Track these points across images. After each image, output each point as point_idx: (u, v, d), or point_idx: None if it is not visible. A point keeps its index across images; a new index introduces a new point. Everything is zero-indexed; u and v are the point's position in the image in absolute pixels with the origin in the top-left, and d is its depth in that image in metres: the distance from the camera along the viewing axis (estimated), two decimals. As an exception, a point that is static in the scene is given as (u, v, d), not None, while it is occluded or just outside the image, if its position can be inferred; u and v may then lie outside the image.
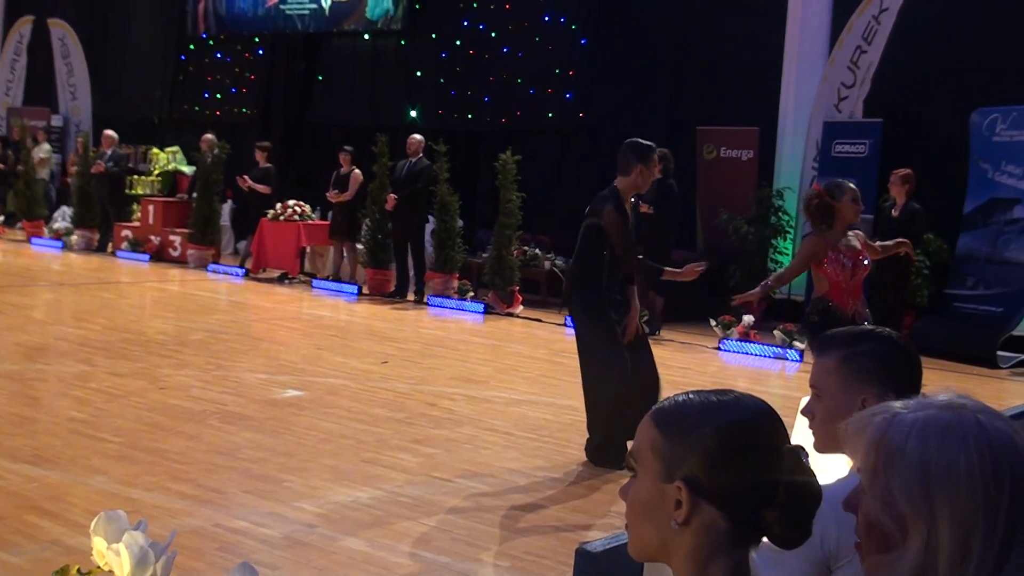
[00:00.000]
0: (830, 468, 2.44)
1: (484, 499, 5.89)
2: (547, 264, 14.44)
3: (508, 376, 9.46)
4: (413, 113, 17.33)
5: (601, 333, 6.73)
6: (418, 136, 14.24)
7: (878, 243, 7.23)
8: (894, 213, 10.72)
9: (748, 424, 1.56)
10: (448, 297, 13.64)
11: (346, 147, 15.14)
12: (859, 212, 6.73)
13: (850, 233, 6.67)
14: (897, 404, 1.46)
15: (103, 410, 7.39)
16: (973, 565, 1.33)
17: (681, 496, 1.54)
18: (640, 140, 6.84)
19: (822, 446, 2.38)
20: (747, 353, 11.31)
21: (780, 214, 13.23)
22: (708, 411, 1.57)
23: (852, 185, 6.73)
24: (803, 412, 2.46)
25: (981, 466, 1.34)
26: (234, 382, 8.51)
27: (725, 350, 11.44)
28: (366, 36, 18.19)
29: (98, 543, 1.70)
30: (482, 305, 13.27)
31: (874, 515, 1.40)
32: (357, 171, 14.73)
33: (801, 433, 2.46)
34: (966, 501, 1.34)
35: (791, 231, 13.32)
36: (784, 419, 1.63)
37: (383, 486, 6.00)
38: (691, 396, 1.61)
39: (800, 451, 1.57)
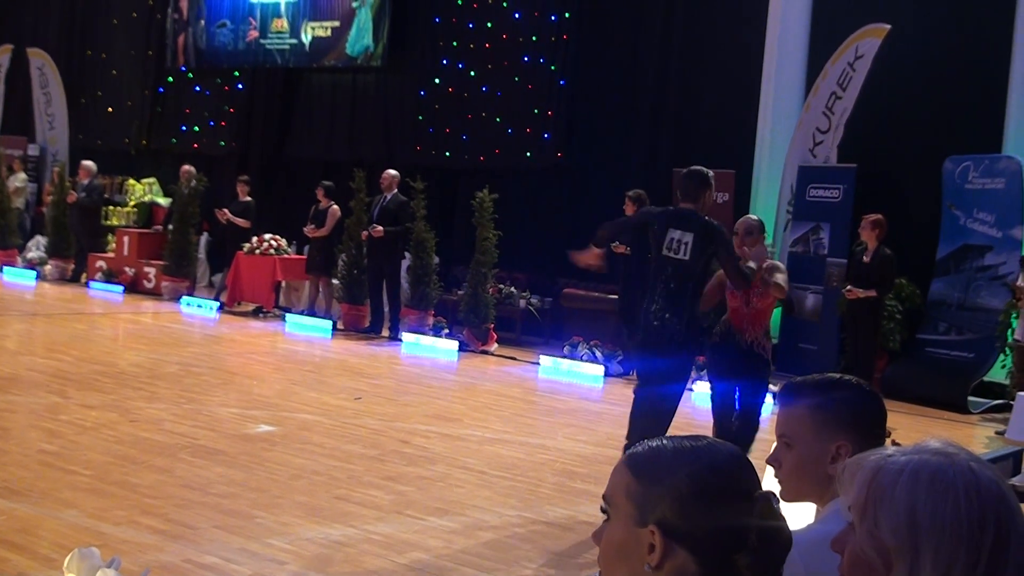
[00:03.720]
0: (798, 516, 2.46)
1: (456, 538, 5.89)
2: (522, 302, 14.47)
3: (482, 414, 9.46)
4: None
5: None
6: (392, 171, 14.27)
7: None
8: (865, 259, 10.79)
9: (721, 469, 1.59)
10: (423, 334, 13.63)
11: (324, 182, 15.16)
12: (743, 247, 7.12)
13: (766, 263, 7.05)
14: (890, 449, 1.50)
15: (74, 442, 7.36)
16: None
17: (654, 540, 1.56)
18: (700, 168, 6.95)
19: (790, 495, 2.40)
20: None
21: (755, 257, 13.30)
22: (681, 456, 1.60)
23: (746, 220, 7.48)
24: (768, 461, 2.47)
25: (968, 509, 1.39)
26: (207, 416, 8.48)
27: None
28: (346, 72, 18.26)
29: (71, 581, 1.71)
30: (457, 342, 13.27)
31: (860, 548, 1.44)
32: (335, 206, 14.74)
33: (769, 482, 2.48)
34: (950, 540, 1.38)
35: (765, 274, 13.39)
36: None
37: (355, 523, 5.99)
38: (664, 442, 1.64)
39: (772, 497, 1.60)
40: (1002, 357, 11.39)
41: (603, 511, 1.66)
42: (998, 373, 11.57)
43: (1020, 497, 4.26)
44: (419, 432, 8.49)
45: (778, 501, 1.60)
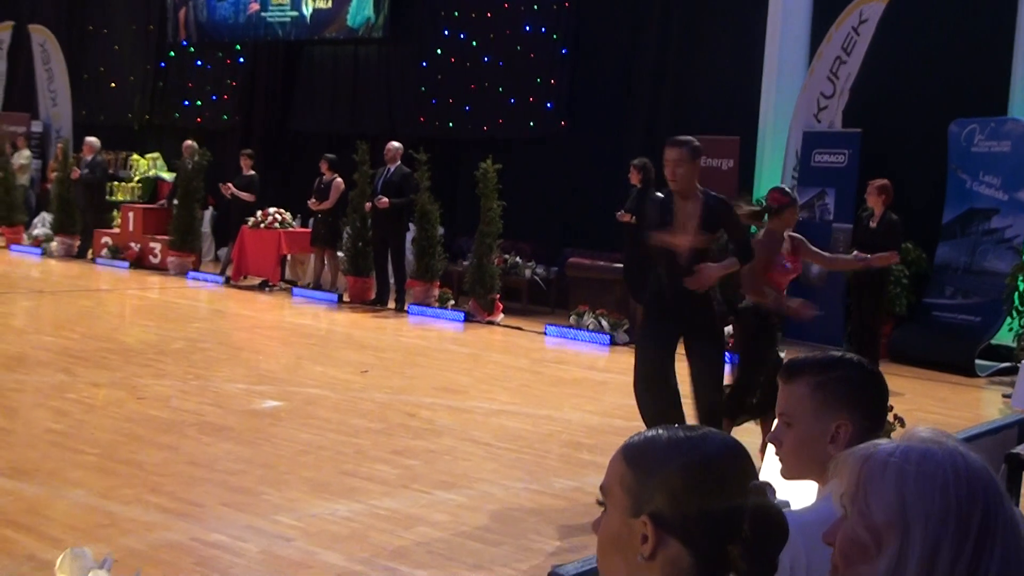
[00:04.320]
0: (799, 495, 2.46)
1: (462, 512, 5.90)
2: (528, 272, 14.46)
3: (488, 386, 9.47)
4: None
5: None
6: (395, 143, 14.21)
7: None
8: (872, 224, 10.73)
9: (713, 460, 1.58)
10: (429, 306, 13.63)
11: (327, 155, 15.12)
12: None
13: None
14: (881, 440, 1.52)
15: (81, 421, 7.37)
16: None
17: (647, 531, 1.56)
18: (685, 138, 6.50)
19: (791, 473, 2.39)
20: (733, 363, 11.29)
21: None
22: (675, 447, 1.59)
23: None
24: (770, 439, 2.47)
25: (956, 487, 1.41)
26: (213, 392, 8.50)
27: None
28: (347, 44, 18.20)
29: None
30: (462, 314, 13.27)
31: (852, 530, 1.46)
32: (338, 179, 14.72)
33: (770, 460, 2.48)
34: (938, 518, 1.40)
35: (771, 240, 13.36)
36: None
37: (361, 499, 6.00)
38: (660, 432, 1.63)
39: (767, 487, 1.59)
40: (1009, 320, 11.37)
41: (599, 503, 1.65)
42: (1005, 336, 11.56)
43: (1025, 466, 4.21)
44: (425, 405, 8.50)
45: (774, 491, 1.59)
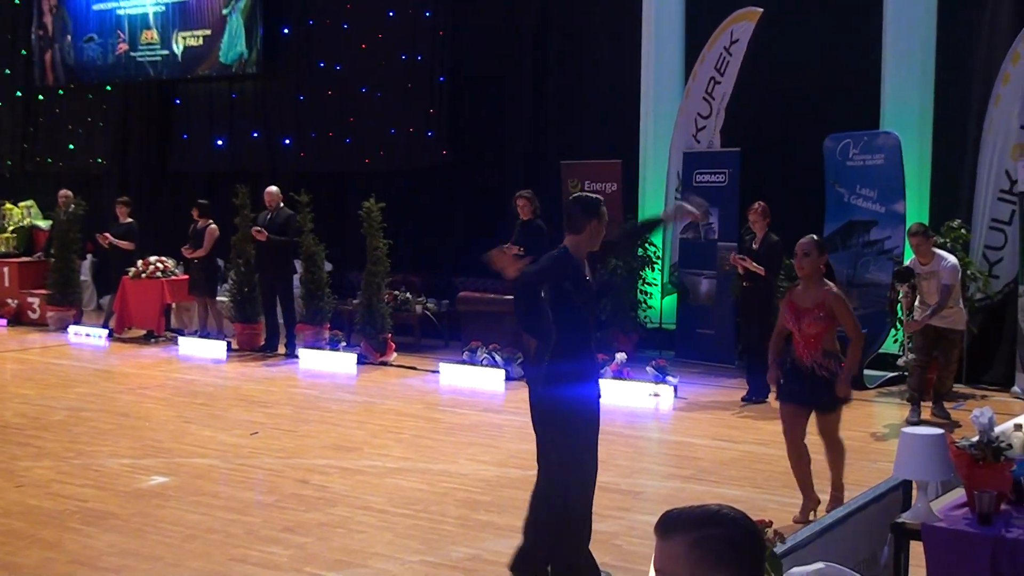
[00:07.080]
0: None
1: (358, 596, 5.76)
2: (419, 308, 14.32)
3: (382, 440, 9.30)
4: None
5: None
6: (274, 188, 13.95)
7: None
8: (754, 246, 10.87)
9: None
10: (320, 349, 13.40)
11: (199, 201, 14.81)
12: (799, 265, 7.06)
13: (826, 287, 7.04)
14: None
15: (-44, 519, 7.05)
16: None
17: None
18: (588, 195, 5.96)
19: None
20: (621, 390, 11.30)
21: (647, 245, 13.30)
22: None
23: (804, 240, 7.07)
24: (648, 596, 2.39)
25: None
26: (96, 472, 8.20)
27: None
28: (222, 81, 17.87)
29: None
30: (355, 355, 13.07)
31: None
32: (212, 225, 14.42)
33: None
34: None
35: (659, 262, 13.42)
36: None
37: (253, 589, 5.82)
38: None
39: None
40: (893, 331, 11.54)
41: None
42: (891, 346, 11.73)
43: (911, 534, 4.22)
44: (318, 468, 8.31)
45: None
